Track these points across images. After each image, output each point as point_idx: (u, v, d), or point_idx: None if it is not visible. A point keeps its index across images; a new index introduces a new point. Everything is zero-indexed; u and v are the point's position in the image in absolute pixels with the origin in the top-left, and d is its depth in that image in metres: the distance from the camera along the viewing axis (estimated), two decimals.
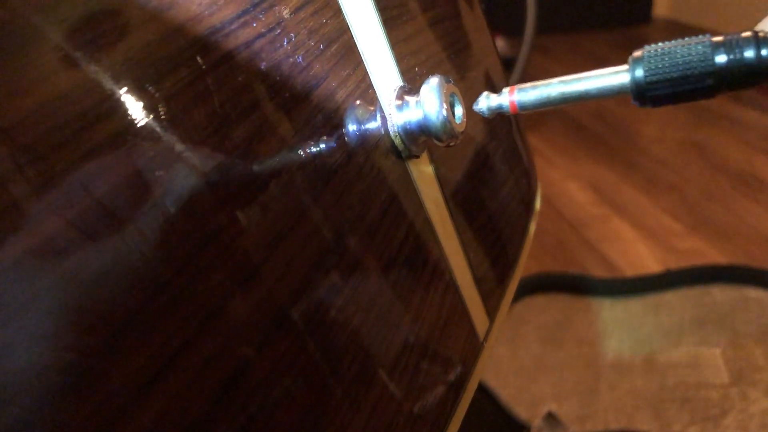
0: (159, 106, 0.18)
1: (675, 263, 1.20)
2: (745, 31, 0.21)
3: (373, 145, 0.27)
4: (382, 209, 0.27)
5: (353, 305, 0.24)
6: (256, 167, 0.21)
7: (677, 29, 2.81)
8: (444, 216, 0.32)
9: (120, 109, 0.17)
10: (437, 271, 0.31)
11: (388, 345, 0.26)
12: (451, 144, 0.28)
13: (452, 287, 0.32)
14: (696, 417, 0.85)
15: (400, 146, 0.28)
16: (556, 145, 1.80)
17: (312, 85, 0.24)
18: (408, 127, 0.27)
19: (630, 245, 1.29)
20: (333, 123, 0.25)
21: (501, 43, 2.42)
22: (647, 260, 1.24)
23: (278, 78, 0.22)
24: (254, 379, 0.19)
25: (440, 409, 0.29)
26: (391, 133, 0.28)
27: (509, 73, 2.00)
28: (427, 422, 0.28)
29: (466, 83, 0.37)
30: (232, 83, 0.20)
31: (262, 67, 0.22)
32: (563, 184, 1.58)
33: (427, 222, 0.30)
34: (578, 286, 1.14)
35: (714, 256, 1.22)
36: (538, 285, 1.15)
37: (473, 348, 0.34)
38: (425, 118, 0.27)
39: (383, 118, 0.28)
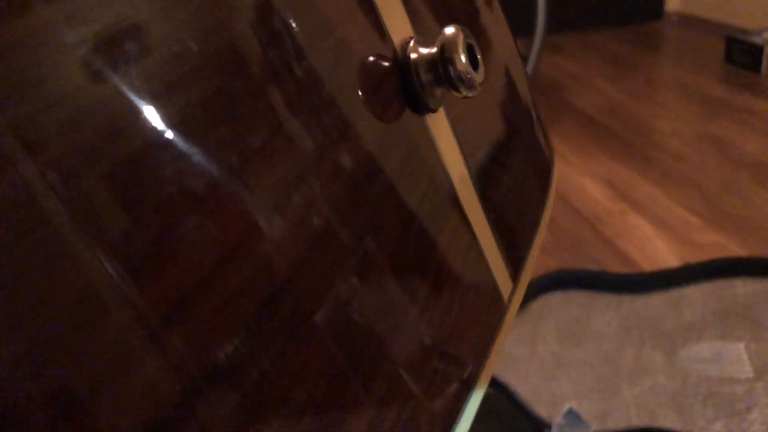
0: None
1: (694, 258, 1.18)
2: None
3: (388, 97, 0.27)
4: (400, 161, 0.26)
5: (373, 257, 0.24)
6: (259, 113, 0.20)
7: (690, 24, 2.79)
8: (462, 172, 0.32)
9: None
10: (460, 228, 0.30)
11: (409, 300, 0.26)
12: (469, 95, 0.27)
13: (475, 246, 0.31)
14: (720, 412, 0.84)
15: (417, 100, 0.28)
16: (571, 142, 1.79)
17: (325, 30, 0.24)
18: (425, 79, 0.27)
19: (648, 240, 1.28)
20: (346, 72, 0.24)
21: None
22: (665, 255, 1.22)
23: (292, 16, 0.22)
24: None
25: (467, 368, 0.29)
26: (406, 85, 0.27)
27: None
28: (452, 381, 0.28)
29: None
30: (243, 21, 0.20)
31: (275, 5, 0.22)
32: (579, 181, 1.56)
33: (447, 177, 0.30)
34: (596, 282, 1.13)
35: (734, 249, 1.20)
36: (556, 282, 1.14)
37: (497, 309, 0.33)
38: (443, 66, 0.26)
39: (398, 70, 0.27)
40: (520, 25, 2.33)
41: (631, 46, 2.62)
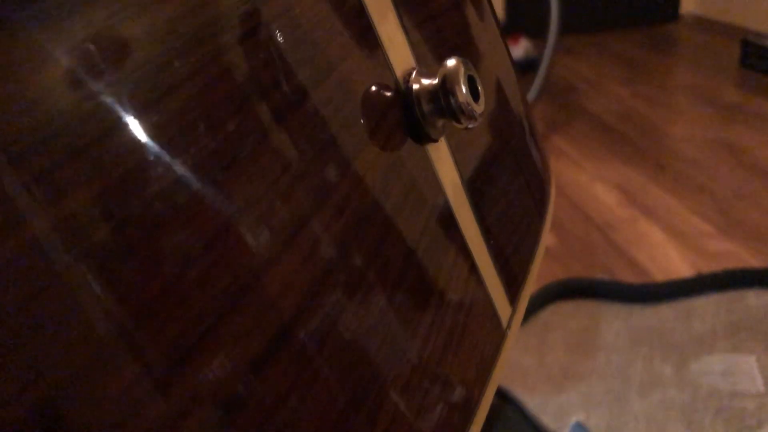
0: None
1: (707, 267, 1.17)
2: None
3: (391, 129, 0.27)
4: (403, 192, 0.27)
5: (376, 290, 0.24)
6: (267, 155, 0.20)
7: (706, 26, 2.77)
8: (463, 201, 0.32)
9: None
10: (460, 256, 0.30)
11: (412, 333, 0.26)
12: (470, 126, 0.28)
13: (474, 274, 0.32)
14: (731, 427, 0.83)
15: (419, 130, 0.28)
16: (583, 147, 1.78)
17: (329, 67, 0.24)
18: (426, 109, 0.27)
19: (659, 248, 1.27)
20: (350, 106, 0.25)
21: (525, 44, 2.40)
22: (678, 264, 1.21)
23: (296, 58, 0.22)
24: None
25: (468, 396, 0.29)
26: (408, 116, 0.28)
27: (534, 74, 1.98)
28: (456, 407, 0.28)
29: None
30: (248, 65, 0.20)
31: (279, 48, 0.22)
32: (590, 187, 1.55)
33: (448, 206, 0.30)
34: (606, 291, 1.12)
35: (747, 258, 1.19)
36: (565, 291, 1.13)
37: (497, 335, 0.33)
38: (445, 98, 0.27)
39: (401, 101, 0.28)
40: (534, 27, 2.32)
41: (645, 49, 2.60)
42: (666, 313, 1.06)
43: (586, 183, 1.58)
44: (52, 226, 0.14)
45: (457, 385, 0.28)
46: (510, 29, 2.55)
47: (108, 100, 0.16)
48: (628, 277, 1.18)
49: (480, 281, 0.32)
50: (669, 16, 2.91)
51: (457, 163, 0.32)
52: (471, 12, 0.40)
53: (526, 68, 2.21)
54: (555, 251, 1.29)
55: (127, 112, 0.16)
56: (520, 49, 2.41)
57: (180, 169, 0.17)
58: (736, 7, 2.69)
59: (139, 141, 0.16)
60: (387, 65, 0.28)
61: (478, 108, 0.27)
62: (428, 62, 0.31)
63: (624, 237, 1.32)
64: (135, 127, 0.16)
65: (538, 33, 2.15)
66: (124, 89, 0.16)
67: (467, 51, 0.37)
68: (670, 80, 2.27)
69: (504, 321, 0.34)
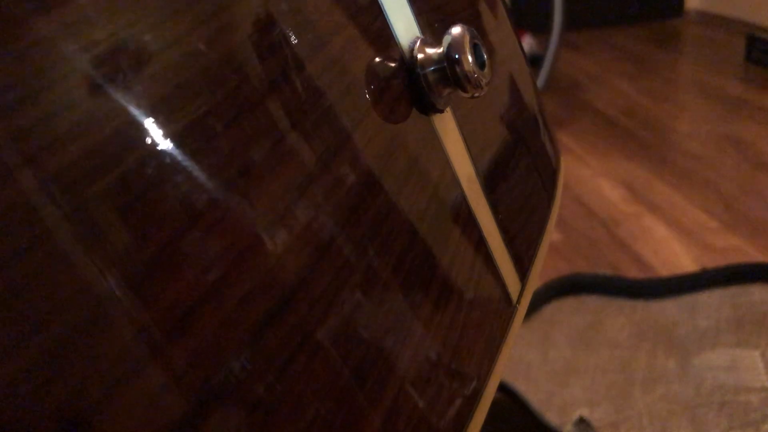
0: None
1: (711, 262, 1.16)
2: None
3: (395, 98, 0.26)
4: (408, 162, 0.27)
5: (380, 262, 0.23)
6: (264, 120, 0.20)
7: (710, 21, 2.75)
8: (470, 173, 0.32)
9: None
10: (467, 228, 0.30)
11: (418, 307, 0.25)
12: (476, 95, 0.28)
13: (483, 246, 0.31)
14: (734, 422, 0.82)
15: (424, 100, 0.28)
16: (587, 143, 1.77)
17: (331, 33, 0.24)
18: (432, 79, 0.27)
19: (664, 244, 1.26)
20: (352, 74, 0.24)
21: (529, 40, 2.39)
22: (682, 259, 1.20)
23: (296, 22, 0.22)
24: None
25: (476, 376, 0.29)
26: (413, 86, 0.28)
27: (538, 70, 1.98)
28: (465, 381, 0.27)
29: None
30: (247, 26, 0.20)
31: (279, 11, 0.21)
32: (594, 182, 1.55)
33: (454, 178, 0.30)
34: (610, 287, 1.11)
35: (752, 253, 1.18)
36: (569, 286, 1.13)
37: (506, 310, 0.33)
38: (450, 66, 0.27)
39: (405, 70, 0.27)
40: (538, 22, 2.32)
41: (649, 44, 2.59)
42: (670, 308, 1.05)
43: (590, 178, 1.57)
44: (45, 180, 0.14)
45: (464, 364, 0.28)
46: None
47: (94, 54, 0.16)
48: (632, 272, 1.17)
49: (489, 254, 0.32)
50: (674, 12, 2.90)
51: (464, 136, 0.32)
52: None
53: (530, 64, 2.21)
54: (559, 246, 1.29)
55: (117, 68, 0.16)
56: (524, 45, 2.40)
57: (176, 128, 0.17)
58: (740, 2, 2.68)
59: (133, 98, 0.16)
60: (391, 34, 0.27)
61: (485, 76, 0.27)
62: (433, 33, 0.31)
63: (628, 232, 1.32)
64: (127, 84, 0.16)
65: (541, 29, 2.14)
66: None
67: (473, 24, 0.36)
68: (675, 75, 2.26)
69: (514, 296, 0.34)
